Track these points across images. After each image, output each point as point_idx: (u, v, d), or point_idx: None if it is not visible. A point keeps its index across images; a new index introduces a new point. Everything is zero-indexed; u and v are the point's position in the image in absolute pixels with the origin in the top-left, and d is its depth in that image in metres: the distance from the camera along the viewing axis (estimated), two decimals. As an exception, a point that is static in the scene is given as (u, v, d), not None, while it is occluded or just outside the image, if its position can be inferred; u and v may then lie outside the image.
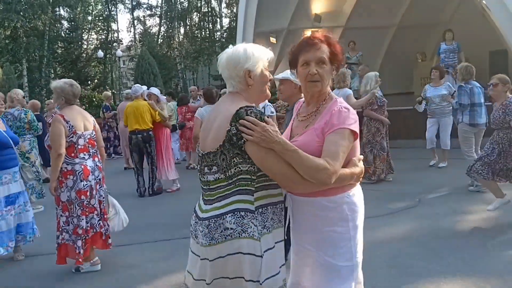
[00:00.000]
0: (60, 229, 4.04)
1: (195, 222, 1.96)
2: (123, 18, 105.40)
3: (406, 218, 5.19)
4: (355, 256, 2.04)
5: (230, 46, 2.03)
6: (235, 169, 1.85)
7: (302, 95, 3.65)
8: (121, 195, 5.90)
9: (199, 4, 37.77)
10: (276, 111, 5.72)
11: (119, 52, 30.75)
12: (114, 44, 36.01)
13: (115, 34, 37.10)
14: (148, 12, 38.41)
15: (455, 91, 7.02)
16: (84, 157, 4.04)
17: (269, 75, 2.03)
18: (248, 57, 1.93)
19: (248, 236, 1.81)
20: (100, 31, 36.16)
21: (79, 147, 4.02)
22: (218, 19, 38.34)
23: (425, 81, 9.12)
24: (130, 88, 9.52)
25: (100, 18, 35.83)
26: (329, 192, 1.96)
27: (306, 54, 2.02)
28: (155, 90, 7.86)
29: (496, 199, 4.86)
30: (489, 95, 5.23)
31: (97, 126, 4.32)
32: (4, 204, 4.34)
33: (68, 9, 32.52)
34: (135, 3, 37.12)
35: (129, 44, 39.02)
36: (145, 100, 7.43)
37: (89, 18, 35.28)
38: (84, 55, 34.23)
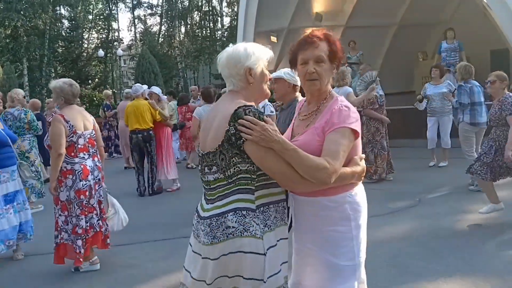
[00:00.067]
0: (59, 228, 4.03)
1: (197, 221, 1.96)
2: (123, 17, 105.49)
3: (406, 217, 5.18)
4: (358, 256, 2.02)
5: (230, 45, 2.02)
6: (234, 168, 1.84)
7: (297, 94, 3.66)
8: (121, 194, 5.90)
9: (200, 3, 37.80)
10: (276, 110, 5.71)
11: (119, 51, 30.71)
12: (115, 43, 36.07)
13: (116, 33, 37.23)
14: (149, 11, 38.54)
15: (455, 89, 7.01)
16: (83, 157, 4.04)
17: (268, 74, 2.02)
18: (248, 55, 1.93)
19: (250, 234, 1.81)
20: (101, 30, 36.22)
21: (79, 146, 4.02)
22: (219, 18, 38.41)
23: (426, 80, 9.07)
24: (130, 87, 9.51)
25: (101, 17, 35.88)
26: (330, 192, 1.94)
27: (304, 52, 2.01)
28: (156, 89, 7.84)
29: (491, 203, 4.79)
30: (488, 92, 5.21)
31: (97, 125, 4.32)
32: (4, 203, 4.34)
33: (68, 8, 32.60)
34: (135, 2, 37.19)
35: (129, 43, 39.09)
36: (145, 99, 7.43)
37: (90, 17, 35.33)
38: (85, 54, 34.28)
